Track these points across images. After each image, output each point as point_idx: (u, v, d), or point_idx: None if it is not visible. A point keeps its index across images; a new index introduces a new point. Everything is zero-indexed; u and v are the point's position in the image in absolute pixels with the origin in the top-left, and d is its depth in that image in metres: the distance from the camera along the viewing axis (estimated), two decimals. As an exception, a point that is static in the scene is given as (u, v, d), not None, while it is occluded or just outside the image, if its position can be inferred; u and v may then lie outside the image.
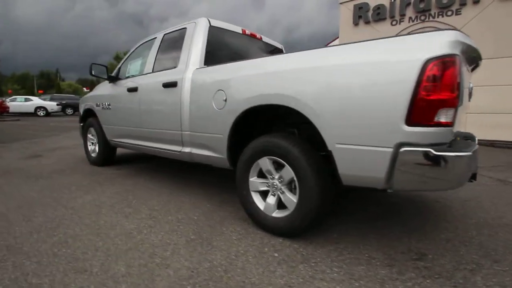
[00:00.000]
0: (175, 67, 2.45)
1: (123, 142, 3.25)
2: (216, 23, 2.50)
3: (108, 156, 3.75)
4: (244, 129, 2.03)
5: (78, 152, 4.95)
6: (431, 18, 7.25)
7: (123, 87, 3.09)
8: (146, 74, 2.80)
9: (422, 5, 7.28)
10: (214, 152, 2.14)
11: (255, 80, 1.74)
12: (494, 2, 6.27)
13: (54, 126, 10.52)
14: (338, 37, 9.68)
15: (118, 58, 23.80)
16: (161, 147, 2.65)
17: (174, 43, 2.63)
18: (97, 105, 3.52)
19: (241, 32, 2.75)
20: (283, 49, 3.32)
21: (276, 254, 1.59)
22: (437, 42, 1.20)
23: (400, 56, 1.24)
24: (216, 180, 3.16)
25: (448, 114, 1.21)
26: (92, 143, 3.92)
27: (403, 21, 7.72)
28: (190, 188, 2.83)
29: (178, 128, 2.37)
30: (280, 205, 1.80)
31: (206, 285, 1.32)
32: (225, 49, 2.62)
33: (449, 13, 6.97)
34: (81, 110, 4.02)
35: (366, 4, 8.27)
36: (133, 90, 2.86)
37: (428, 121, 1.20)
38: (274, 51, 3.18)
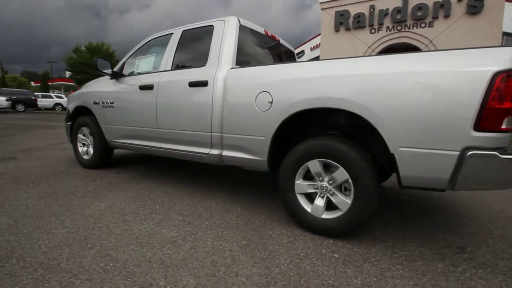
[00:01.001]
0: (203, 66, 2.35)
1: (128, 143, 3.03)
2: (244, 22, 2.45)
3: (105, 159, 3.46)
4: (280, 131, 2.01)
5: (58, 153, 4.49)
6: (406, 29, 7.88)
7: (131, 84, 2.88)
8: (163, 71, 2.64)
9: (398, 16, 7.89)
10: (252, 154, 2.11)
11: (312, 83, 1.75)
12: (463, 16, 7.03)
13: (11, 124, 9.35)
14: (319, 35, 9.97)
15: (77, 51, 21.74)
16: (182, 149, 2.52)
17: (197, 41, 2.52)
18: (95, 103, 3.22)
19: (263, 33, 2.73)
20: (294, 52, 3.37)
21: (336, 255, 1.62)
22: (503, 57, 1.33)
23: (470, 68, 1.35)
24: (232, 182, 3.09)
25: (510, 121, 1.35)
26: (84, 144, 3.58)
27: (381, 29, 8.27)
28: (210, 191, 2.73)
29: (208, 129, 2.28)
30: (328, 206, 1.83)
31: (288, 291, 1.30)
32: (250, 49, 2.58)
33: (423, 25, 7.65)
34: (70, 108, 3.65)
35: (347, 11, 8.70)
36: (147, 88, 2.68)
37: (495, 127, 1.33)
38: (288, 53, 3.21)
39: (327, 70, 1.72)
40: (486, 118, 1.33)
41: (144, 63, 2.90)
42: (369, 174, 1.64)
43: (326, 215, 1.82)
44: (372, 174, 1.64)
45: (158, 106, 2.60)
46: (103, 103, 3.13)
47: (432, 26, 7.56)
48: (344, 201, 1.74)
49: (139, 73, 2.88)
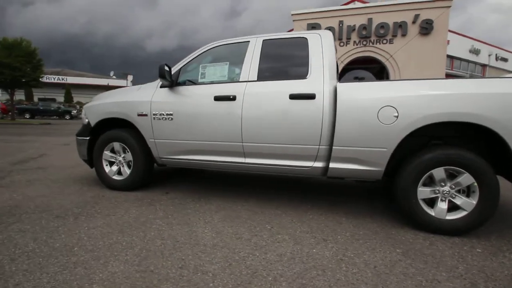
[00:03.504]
0: (303, 79, 2.33)
1: (189, 160, 2.74)
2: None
3: (147, 178, 3.03)
4: None
5: (46, 175, 3.68)
6: (370, 44, 9.01)
7: (198, 94, 2.62)
8: (246, 82, 2.50)
9: (364, 32, 8.96)
10: (367, 165, 2.20)
11: (445, 100, 1.96)
12: (416, 36, 8.45)
13: None
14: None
15: (5, 49, 16.80)
16: (275, 164, 2.44)
17: (286, 52, 2.48)
18: (140, 115, 2.79)
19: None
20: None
21: (478, 250, 1.86)
22: None
23: None
24: (288, 191, 3.08)
25: None
26: (113, 163, 3.05)
27: (349, 43, 9.24)
28: (288, 204, 2.70)
29: (315, 142, 2.28)
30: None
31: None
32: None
33: (384, 41, 8.87)
34: (92, 120, 3.05)
35: (318, 24, 9.41)
36: (227, 98, 2.49)
37: None
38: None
39: (458, 88, 1.96)
40: None
41: (213, 71, 2.67)
42: (494, 177, 1.94)
43: (450, 216, 2.06)
44: (495, 177, 1.95)
45: (244, 119, 2.45)
46: (154, 114, 2.74)
47: (392, 43, 8.88)
48: (469, 202, 2.00)
49: (211, 82, 2.63)
